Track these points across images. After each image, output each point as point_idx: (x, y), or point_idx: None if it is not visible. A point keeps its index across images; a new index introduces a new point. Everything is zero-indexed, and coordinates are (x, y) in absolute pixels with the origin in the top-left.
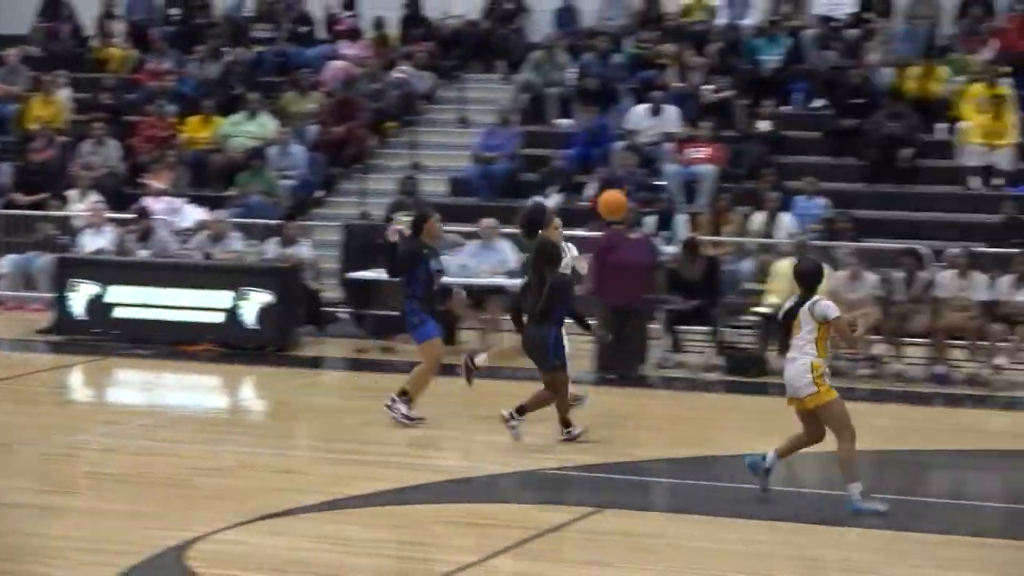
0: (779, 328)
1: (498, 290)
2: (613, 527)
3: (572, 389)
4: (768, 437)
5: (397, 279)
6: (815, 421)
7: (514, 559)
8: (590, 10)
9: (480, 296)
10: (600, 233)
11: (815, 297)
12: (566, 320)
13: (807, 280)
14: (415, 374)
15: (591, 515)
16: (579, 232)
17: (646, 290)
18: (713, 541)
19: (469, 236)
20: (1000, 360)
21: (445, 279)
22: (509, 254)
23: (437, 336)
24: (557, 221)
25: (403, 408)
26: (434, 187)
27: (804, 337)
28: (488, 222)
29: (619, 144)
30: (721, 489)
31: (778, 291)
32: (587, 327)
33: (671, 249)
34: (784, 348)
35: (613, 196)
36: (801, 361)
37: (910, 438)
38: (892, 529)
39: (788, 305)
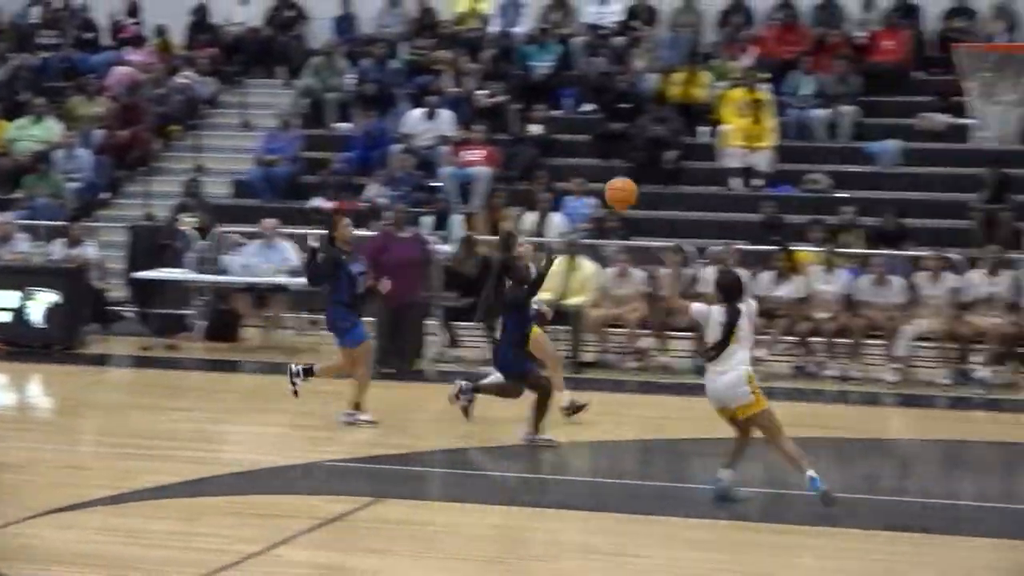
0: (719, 339)
1: (281, 288)
2: (393, 516)
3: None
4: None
5: (316, 287)
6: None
7: (298, 548)
8: (368, 17)
9: (263, 294)
10: (373, 233)
11: (749, 304)
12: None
13: (732, 293)
14: (354, 384)
15: (372, 504)
16: (359, 232)
17: (420, 287)
18: (489, 528)
19: (252, 236)
20: (760, 352)
21: (228, 278)
22: (291, 253)
23: (366, 339)
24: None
25: (363, 417)
26: (217, 189)
27: (743, 346)
28: (269, 222)
29: (397, 147)
30: (495, 479)
31: (551, 288)
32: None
33: (447, 248)
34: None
35: (624, 188)
36: (736, 372)
37: (677, 427)
38: (649, 514)
39: (723, 319)
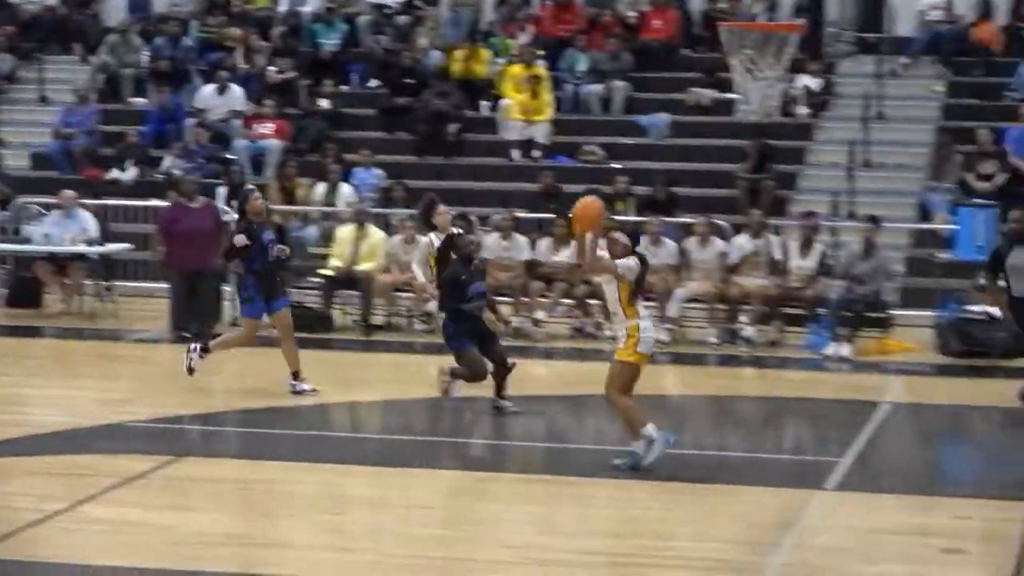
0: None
1: (80, 257)
2: (192, 473)
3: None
4: (333, 388)
5: (231, 261)
6: None
7: (102, 505)
8: None
9: (63, 263)
10: (164, 204)
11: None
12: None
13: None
14: (228, 342)
15: (171, 463)
16: (155, 203)
17: (213, 254)
18: (286, 484)
19: (51, 207)
20: (540, 314)
21: (29, 247)
22: (90, 223)
23: (258, 317)
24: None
25: (305, 386)
26: (16, 162)
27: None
28: (68, 193)
29: (191, 121)
30: (290, 437)
31: (340, 255)
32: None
33: None
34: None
35: (589, 208)
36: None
37: (462, 386)
38: (441, 468)
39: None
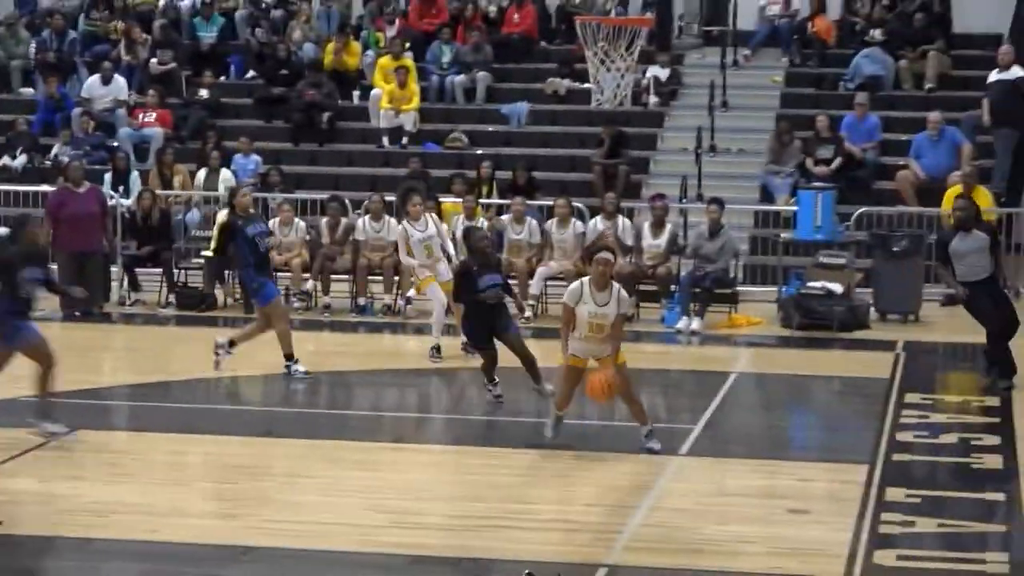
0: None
1: None
2: (86, 445)
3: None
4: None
5: (222, 256)
6: None
7: (2, 477)
8: None
9: None
10: (52, 189)
11: None
12: None
13: None
14: (280, 335)
15: (65, 436)
16: (44, 188)
17: (98, 236)
18: (173, 454)
19: None
20: (410, 293)
21: None
22: None
23: (278, 295)
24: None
25: (299, 368)
26: None
27: None
28: None
29: (78, 110)
30: (177, 410)
31: (221, 237)
32: None
33: (127, 201)
34: None
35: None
36: None
37: (338, 360)
38: (320, 439)
39: None
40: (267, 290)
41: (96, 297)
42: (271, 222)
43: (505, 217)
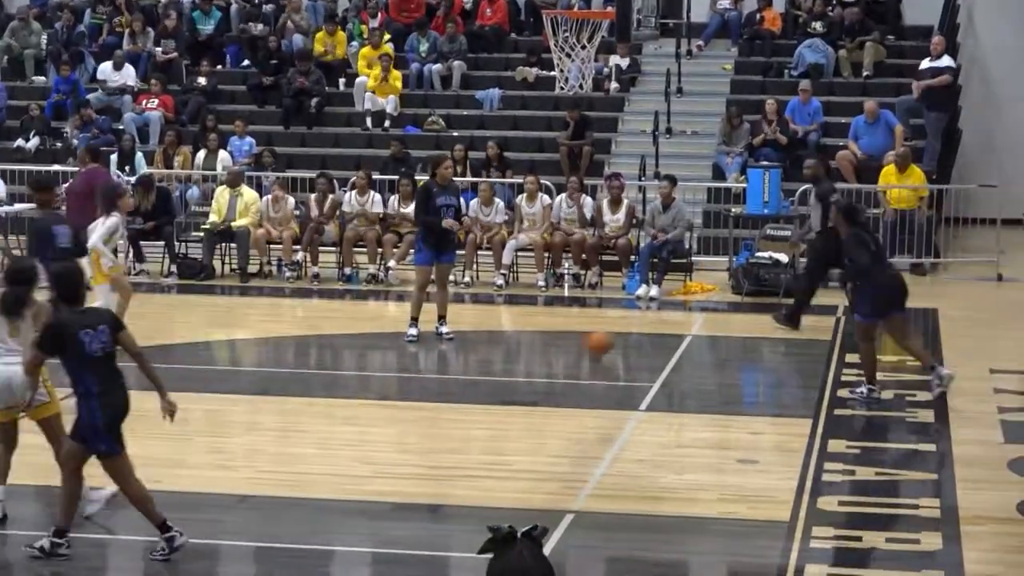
0: None
1: None
2: None
3: None
4: (215, 329)
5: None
6: None
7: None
8: None
9: None
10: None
11: None
12: None
13: None
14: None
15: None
16: (55, 168)
17: (89, 212)
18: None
19: None
20: (391, 262)
21: None
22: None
23: (428, 264)
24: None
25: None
26: None
27: None
28: None
29: (87, 96)
30: (178, 370)
31: (218, 212)
32: None
33: (133, 179)
34: None
35: (600, 340)
36: None
37: (325, 325)
38: (311, 396)
39: None
40: (421, 255)
41: None
42: (264, 198)
43: (473, 202)
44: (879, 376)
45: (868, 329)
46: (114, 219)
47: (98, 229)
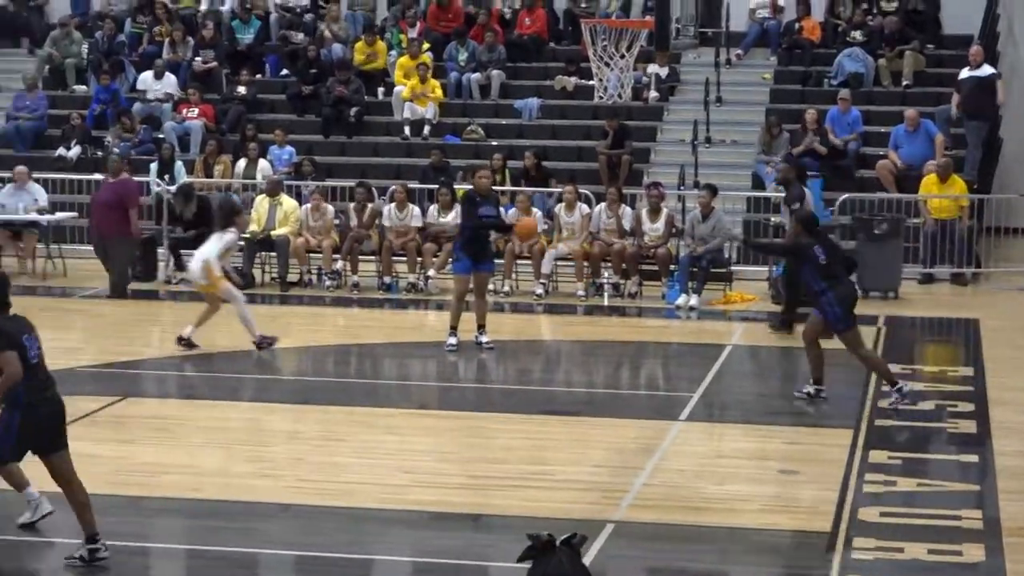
0: None
1: (33, 224)
2: (136, 412)
3: None
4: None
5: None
6: None
7: None
8: None
9: (18, 230)
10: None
11: None
12: None
13: None
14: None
15: (116, 403)
16: (96, 177)
17: (117, 223)
18: (218, 420)
19: (6, 181)
20: (431, 271)
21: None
22: (41, 194)
23: (466, 273)
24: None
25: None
26: None
27: None
28: (20, 169)
29: (127, 106)
30: (219, 379)
31: (258, 221)
32: None
33: (174, 188)
34: None
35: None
36: None
37: (366, 334)
38: (353, 405)
39: None
40: (459, 264)
41: (121, 279)
42: (304, 207)
43: (512, 211)
44: (920, 386)
45: (853, 336)
46: (231, 235)
47: (214, 242)
